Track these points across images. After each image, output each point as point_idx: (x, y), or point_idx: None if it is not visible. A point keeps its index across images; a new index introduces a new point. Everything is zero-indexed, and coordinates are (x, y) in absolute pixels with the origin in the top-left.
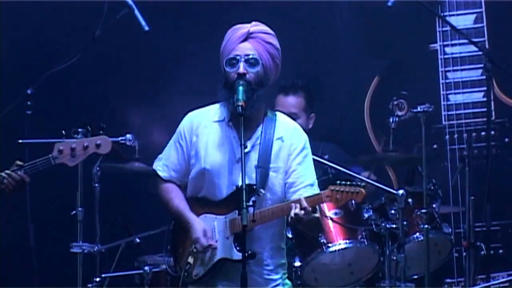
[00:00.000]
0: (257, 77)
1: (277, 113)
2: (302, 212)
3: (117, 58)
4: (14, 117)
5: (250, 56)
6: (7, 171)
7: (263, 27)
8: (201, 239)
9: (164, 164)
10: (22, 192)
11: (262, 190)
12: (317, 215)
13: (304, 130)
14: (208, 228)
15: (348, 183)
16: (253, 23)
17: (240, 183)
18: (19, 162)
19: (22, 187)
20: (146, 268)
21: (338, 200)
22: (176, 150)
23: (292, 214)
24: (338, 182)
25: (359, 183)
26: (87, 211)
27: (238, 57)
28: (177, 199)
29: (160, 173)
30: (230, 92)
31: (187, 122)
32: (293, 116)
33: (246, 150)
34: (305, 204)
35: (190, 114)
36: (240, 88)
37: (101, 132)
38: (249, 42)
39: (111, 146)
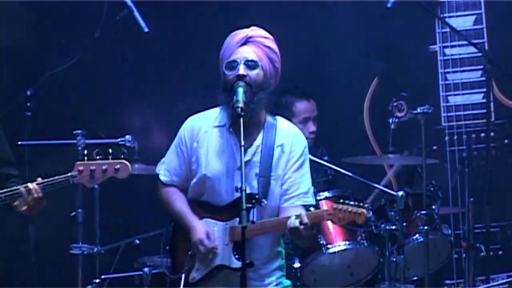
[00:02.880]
0: (257, 80)
1: (278, 118)
2: (302, 227)
3: (117, 59)
4: (13, 118)
5: (250, 59)
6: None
7: (261, 32)
8: (205, 241)
9: (166, 169)
10: (36, 213)
11: (264, 201)
12: (314, 231)
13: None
14: (210, 230)
15: (352, 203)
16: (252, 27)
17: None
18: (39, 180)
19: (38, 205)
20: (146, 269)
21: (340, 219)
22: (177, 155)
23: (291, 226)
24: (341, 201)
25: (361, 204)
26: (87, 212)
27: (238, 60)
28: (179, 202)
29: (162, 178)
30: (230, 95)
31: (187, 127)
32: (316, 120)
33: (247, 159)
34: (306, 220)
35: (190, 119)
36: (240, 89)
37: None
38: (248, 46)
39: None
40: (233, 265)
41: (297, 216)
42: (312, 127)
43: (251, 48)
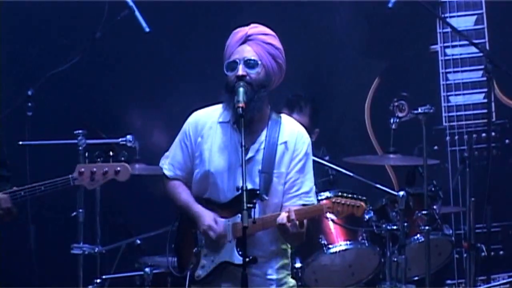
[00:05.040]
0: (258, 78)
1: (282, 115)
2: (289, 224)
3: (118, 59)
4: (14, 118)
5: (249, 58)
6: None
7: (262, 29)
8: (213, 226)
9: (170, 163)
10: (12, 219)
11: (265, 196)
12: (303, 230)
13: None
14: (217, 217)
15: (350, 195)
16: (252, 25)
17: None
18: (15, 188)
19: (7, 215)
20: (147, 269)
21: (339, 213)
22: (181, 149)
23: (278, 222)
24: (340, 194)
25: (360, 197)
26: (88, 212)
27: (237, 60)
28: (184, 194)
29: (166, 172)
30: (231, 95)
31: (192, 122)
32: None
33: (250, 155)
34: (293, 216)
35: (195, 114)
36: (241, 89)
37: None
38: (248, 45)
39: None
40: (237, 262)
41: (287, 212)
42: None
43: (251, 46)
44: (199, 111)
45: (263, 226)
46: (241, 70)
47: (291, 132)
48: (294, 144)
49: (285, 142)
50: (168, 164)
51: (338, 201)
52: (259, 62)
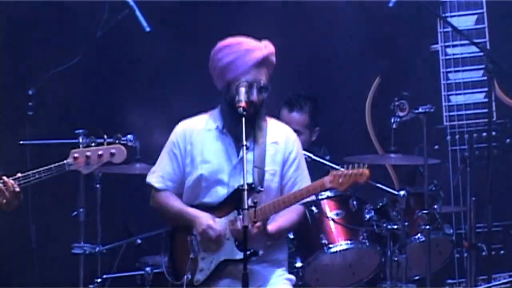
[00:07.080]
0: (261, 101)
1: (268, 118)
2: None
3: (118, 58)
4: (15, 118)
5: (263, 84)
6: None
7: (271, 48)
8: (213, 225)
9: (159, 176)
10: (18, 205)
11: (260, 188)
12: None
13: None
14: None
15: (350, 165)
16: (265, 44)
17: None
18: (19, 174)
19: (15, 199)
20: (148, 269)
21: (341, 184)
22: (171, 159)
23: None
24: (339, 166)
25: (359, 164)
26: (89, 211)
27: (253, 83)
28: (177, 202)
29: (156, 185)
30: (231, 95)
31: (179, 132)
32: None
33: (242, 155)
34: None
35: (181, 124)
36: (242, 89)
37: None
38: (264, 68)
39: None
40: (237, 257)
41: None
42: None
43: (265, 71)
44: (185, 121)
45: (262, 217)
46: (255, 95)
47: (279, 133)
48: (284, 144)
49: (276, 142)
50: (157, 177)
51: (339, 173)
52: (268, 87)
